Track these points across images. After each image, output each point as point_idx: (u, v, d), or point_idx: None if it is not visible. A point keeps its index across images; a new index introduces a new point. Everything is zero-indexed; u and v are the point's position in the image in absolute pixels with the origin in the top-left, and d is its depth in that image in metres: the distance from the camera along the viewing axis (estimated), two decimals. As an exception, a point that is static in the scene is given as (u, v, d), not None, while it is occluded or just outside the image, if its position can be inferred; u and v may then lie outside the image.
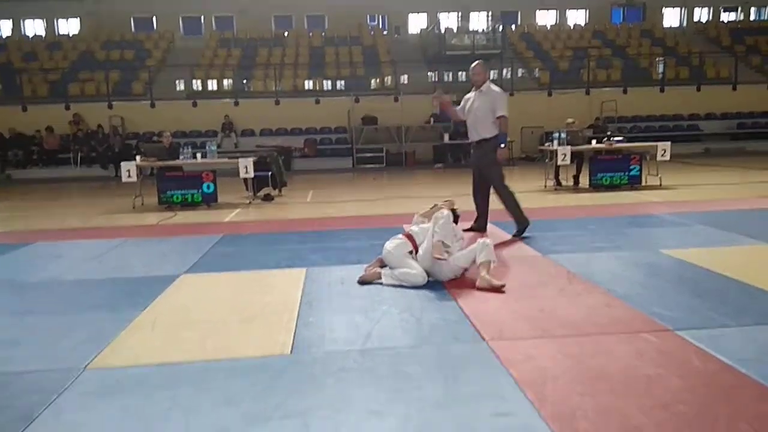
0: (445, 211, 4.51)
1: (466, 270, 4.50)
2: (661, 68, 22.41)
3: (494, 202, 6.35)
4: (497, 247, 5.69)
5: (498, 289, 4.16)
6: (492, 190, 6.37)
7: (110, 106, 19.32)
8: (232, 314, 3.85)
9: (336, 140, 19.96)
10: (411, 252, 4.51)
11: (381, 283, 4.43)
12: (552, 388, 2.66)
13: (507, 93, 6.32)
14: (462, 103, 6.49)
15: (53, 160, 18.41)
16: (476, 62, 6.38)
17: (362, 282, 4.47)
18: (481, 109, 6.19)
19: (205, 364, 3.05)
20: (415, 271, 4.38)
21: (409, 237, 4.61)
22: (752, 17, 28.11)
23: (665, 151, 10.67)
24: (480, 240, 4.48)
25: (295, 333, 3.45)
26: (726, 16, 28.06)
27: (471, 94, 6.38)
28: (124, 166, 9.60)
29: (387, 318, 3.69)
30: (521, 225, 6.15)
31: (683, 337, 3.21)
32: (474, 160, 6.50)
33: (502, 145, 6.13)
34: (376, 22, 26.59)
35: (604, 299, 3.95)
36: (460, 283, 4.43)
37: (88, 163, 18.23)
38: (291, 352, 3.19)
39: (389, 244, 4.62)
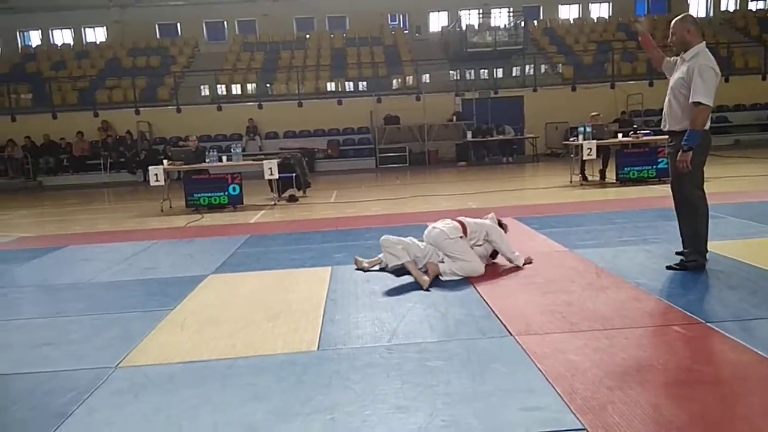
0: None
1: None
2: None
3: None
4: (525, 245, 5.64)
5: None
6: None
7: (137, 112, 19.65)
8: (258, 312, 3.88)
9: (359, 141, 20.01)
10: (461, 237, 4.53)
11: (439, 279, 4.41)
12: (581, 381, 2.62)
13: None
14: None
15: (83, 166, 18.82)
16: (678, 17, 4.26)
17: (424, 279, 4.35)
18: (677, 85, 4.15)
19: (232, 361, 3.08)
20: (472, 261, 4.47)
21: (462, 224, 4.64)
22: (782, 5, 27.43)
23: (694, 143, 10.43)
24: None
25: (321, 330, 3.47)
26: (754, 5, 27.38)
27: (674, 60, 4.37)
28: (152, 170, 9.77)
29: (412, 314, 3.69)
30: (700, 258, 4.26)
31: (716, 329, 3.14)
32: (670, 159, 4.45)
33: (687, 146, 4.03)
34: (397, 22, 26.58)
35: (633, 293, 3.88)
36: (485, 278, 4.41)
37: (117, 169, 18.60)
38: (317, 348, 3.20)
39: (442, 226, 4.60)
